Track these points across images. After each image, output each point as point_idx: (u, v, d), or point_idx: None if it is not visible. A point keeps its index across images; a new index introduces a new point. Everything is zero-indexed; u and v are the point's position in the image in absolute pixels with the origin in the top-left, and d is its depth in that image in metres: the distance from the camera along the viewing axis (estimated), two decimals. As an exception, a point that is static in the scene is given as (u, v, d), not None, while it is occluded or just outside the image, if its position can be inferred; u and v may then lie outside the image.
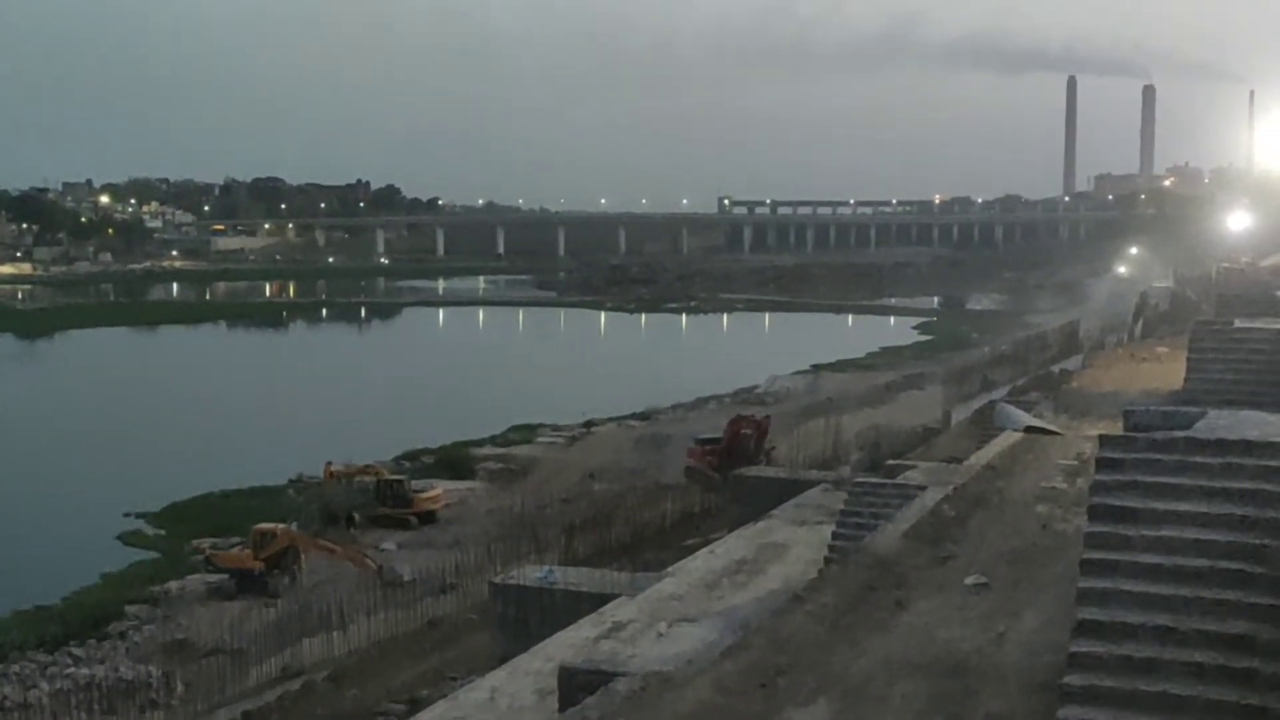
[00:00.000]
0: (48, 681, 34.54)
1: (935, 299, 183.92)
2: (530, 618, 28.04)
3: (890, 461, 32.45)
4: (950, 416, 50.32)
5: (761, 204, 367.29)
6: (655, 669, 15.90)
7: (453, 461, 67.16)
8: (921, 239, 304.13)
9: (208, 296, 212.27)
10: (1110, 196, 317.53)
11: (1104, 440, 14.00)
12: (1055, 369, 54.95)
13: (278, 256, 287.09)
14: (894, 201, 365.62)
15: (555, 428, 77.35)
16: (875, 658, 15.50)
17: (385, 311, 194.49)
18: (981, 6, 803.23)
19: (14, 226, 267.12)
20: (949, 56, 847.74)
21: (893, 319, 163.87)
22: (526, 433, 76.03)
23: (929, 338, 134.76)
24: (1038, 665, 14.67)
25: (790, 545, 30.75)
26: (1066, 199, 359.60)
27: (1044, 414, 32.86)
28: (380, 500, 54.82)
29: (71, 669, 35.85)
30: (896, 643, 15.97)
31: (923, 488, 24.28)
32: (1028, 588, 17.79)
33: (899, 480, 26.90)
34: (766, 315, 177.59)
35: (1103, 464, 13.55)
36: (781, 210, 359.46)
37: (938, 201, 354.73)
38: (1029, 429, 29.58)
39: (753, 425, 57.31)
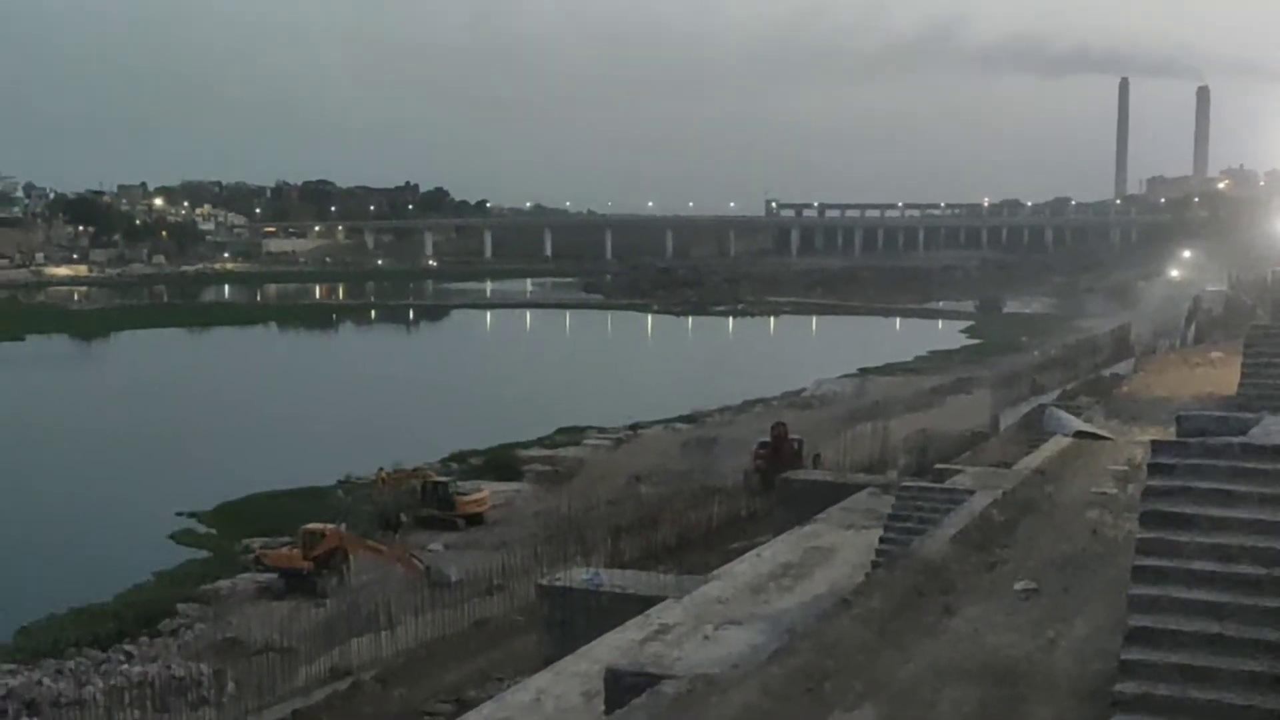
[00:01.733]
0: (102, 678, 34.87)
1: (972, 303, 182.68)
2: (576, 620, 28.09)
3: (938, 466, 32.23)
4: (999, 421, 50.04)
5: (809, 206, 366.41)
6: (701, 672, 15.89)
7: (500, 463, 67.39)
8: (970, 242, 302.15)
9: (258, 298, 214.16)
10: (1163, 199, 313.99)
11: (1156, 445, 13.87)
12: (1106, 373, 54.58)
13: (327, 259, 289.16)
14: (942, 205, 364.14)
15: (602, 430, 77.52)
16: (923, 663, 15.42)
17: (433, 314, 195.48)
18: (1021, 8, 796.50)
19: (71, 229, 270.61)
20: (989, 60, 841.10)
21: (940, 323, 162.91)
22: (573, 435, 76.25)
23: (977, 341, 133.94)
24: (1088, 672, 14.54)
25: (837, 549, 30.62)
26: (1118, 202, 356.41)
27: (1094, 419, 32.58)
28: (426, 502, 55.14)
29: (125, 666, 36.19)
30: (945, 648, 15.88)
31: (971, 492, 24.13)
32: (1078, 594, 17.64)
33: (947, 485, 26.74)
34: (813, 318, 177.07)
35: (1155, 469, 13.42)
36: (829, 213, 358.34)
37: (986, 205, 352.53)
38: (1079, 434, 29.33)
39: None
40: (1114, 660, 12.52)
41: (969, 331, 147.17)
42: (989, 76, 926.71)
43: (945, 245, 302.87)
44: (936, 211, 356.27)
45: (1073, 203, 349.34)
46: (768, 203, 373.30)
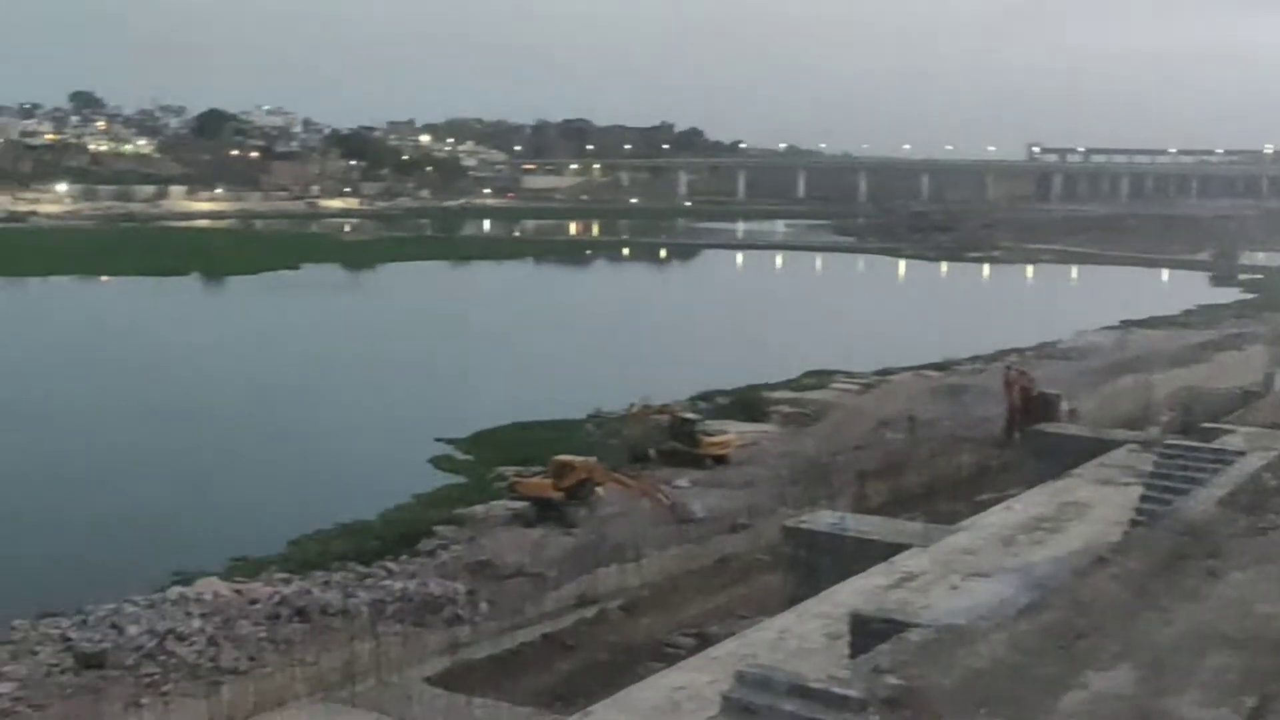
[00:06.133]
0: (365, 591, 36.72)
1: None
2: (820, 562, 28.11)
3: (1205, 424, 30.88)
4: (1273, 380, 47.44)
5: (1073, 151, 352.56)
6: (949, 622, 15.73)
7: (747, 403, 67.53)
8: (1250, 191, 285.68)
9: (516, 233, 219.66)
10: None
11: None
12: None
13: (583, 195, 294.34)
14: (1219, 151, 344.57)
15: (850, 374, 76.85)
16: (1183, 628, 14.89)
17: (685, 252, 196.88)
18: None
19: (343, 163, 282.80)
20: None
21: (1208, 274, 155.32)
22: (821, 378, 75.83)
23: (1253, 295, 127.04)
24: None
25: (1092, 505, 29.74)
26: None
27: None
28: (673, 437, 55.66)
29: (386, 581, 37.98)
30: (1208, 613, 15.29)
31: (1242, 453, 23.09)
32: (1357, 565, 16.73)
33: (1215, 444, 25.61)
34: (1074, 267, 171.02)
35: None
36: (1095, 158, 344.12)
37: (1269, 151, 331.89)
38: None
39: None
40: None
41: (1246, 285, 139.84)
42: (1274, 13, 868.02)
43: (1221, 194, 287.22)
44: (1212, 158, 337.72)
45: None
46: (1029, 147, 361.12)
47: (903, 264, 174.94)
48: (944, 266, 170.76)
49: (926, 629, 14.07)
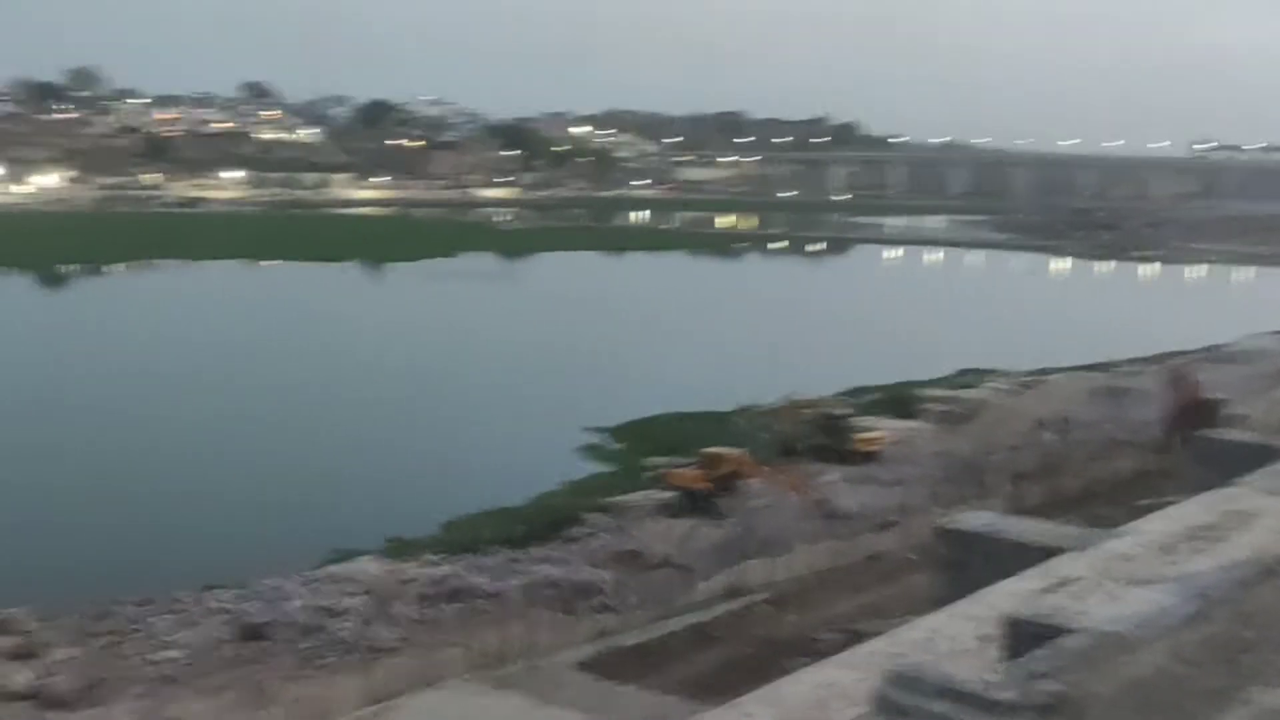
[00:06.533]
0: (515, 576, 37.22)
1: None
2: (973, 563, 27.59)
3: (1385, 435, 29.57)
4: None
5: (1236, 149, 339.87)
6: (1107, 629, 15.39)
7: (898, 400, 66.72)
8: None
9: (669, 225, 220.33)
10: None
11: None
12: None
13: (736, 188, 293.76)
14: None
15: (1005, 374, 75.40)
16: (1356, 645, 14.32)
17: (837, 246, 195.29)
18: None
19: (500, 153, 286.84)
20: None
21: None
22: (975, 377, 74.55)
23: None
24: None
25: (1259, 514, 28.59)
26: None
27: None
28: (823, 433, 55.26)
29: (535, 566, 38.43)
30: (1382, 631, 14.67)
31: None
32: None
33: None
34: (1246, 269, 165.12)
35: None
36: (1274, 155, 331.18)
37: None
38: None
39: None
40: None
41: None
42: None
43: None
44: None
45: None
46: (1191, 145, 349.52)
47: (1061, 262, 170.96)
48: (1103, 265, 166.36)
49: (1085, 635, 13.77)
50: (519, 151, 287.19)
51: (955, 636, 22.41)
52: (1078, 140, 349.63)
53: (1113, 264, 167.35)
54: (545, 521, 44.70)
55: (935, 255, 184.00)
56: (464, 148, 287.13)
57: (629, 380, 73.71)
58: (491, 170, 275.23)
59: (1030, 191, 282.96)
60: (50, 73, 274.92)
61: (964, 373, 75.55)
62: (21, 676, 29.27)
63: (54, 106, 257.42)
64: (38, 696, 28.75)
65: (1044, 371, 76.08)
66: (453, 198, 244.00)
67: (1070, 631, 15.66)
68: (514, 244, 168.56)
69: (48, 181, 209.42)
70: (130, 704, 27.42)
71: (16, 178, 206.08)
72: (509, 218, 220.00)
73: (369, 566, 38.23)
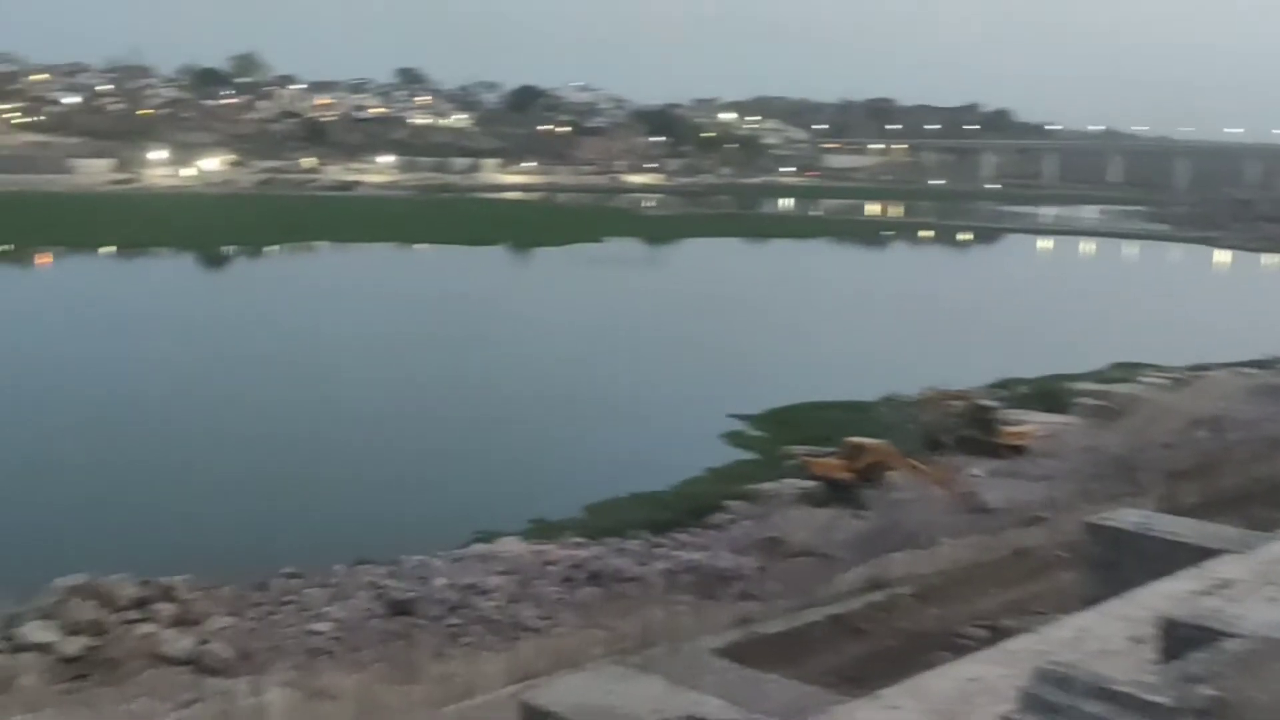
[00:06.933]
0: (657, 560, 37.49)
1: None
2: (1124, 562, 26.97)
3: None
4: None
5: None
6: (1268, 634, 14.94)
7: (1048, 394, 65.47)
8: None
9: (815, 212, 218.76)
10: None
11: None
12: None
13: (884, 176, 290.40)
14: None
15: (1160, 368, 73.39)
16: None
17: (987, 236, 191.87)
18: None
19: (647, 139, 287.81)
20: None
21: None
22: (1128, 371, 72.76)
23: None
24: None
25: None
26: None
27: None
28: (970, 425, 54.46)
29: (677, 551, 38.68)
30: None
31: None
32: None
33: None
34: None
35: None
36: None
37: None
38: None
39: None
40: None
41: None
42: None
43: None
44: None
45: None
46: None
47: (1221, 254, 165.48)
48: (1268, 258, 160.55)
49: (1245, 640, 13.40)
50: (665, 138, 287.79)
51: (1105, 636, 21.95)
52: (1242, 130, 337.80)
53: (1277, 257, 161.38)
54: (687, 507, 44.96)
55: (1089, 246, 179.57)
56: (611, 134, 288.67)
57: (773, 367, 73.46)
58: (638, 156, 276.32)
59: (1190, 181, 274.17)
60: (215, 59, 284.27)
61: (1117, 366, 73.77)
62: (181, 643, 30.43)
63: (219, 92, 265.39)
64: (196, 663, 29.86)
65: (1201, 367, 73.85)
66: (599, 183, 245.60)
67: (1229, 635, 15.25)
68: (659, 230, 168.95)
69: (211, 165, 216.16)
70: (283, 674, 28.29)
71: (183, 162, 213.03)
72: (654, 204, 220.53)
73: (512, 547, 38.85)
